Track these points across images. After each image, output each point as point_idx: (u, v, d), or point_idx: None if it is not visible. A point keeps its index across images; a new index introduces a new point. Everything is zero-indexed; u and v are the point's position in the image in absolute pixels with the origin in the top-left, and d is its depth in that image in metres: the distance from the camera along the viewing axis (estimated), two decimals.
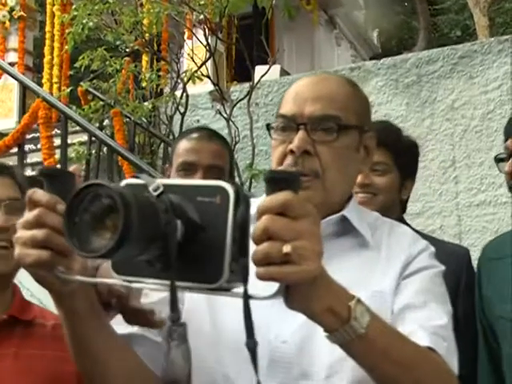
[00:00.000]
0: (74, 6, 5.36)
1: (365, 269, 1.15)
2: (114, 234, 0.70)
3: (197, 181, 0.83)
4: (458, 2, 11.89)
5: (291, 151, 1.15)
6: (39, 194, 0.87)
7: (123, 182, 0.83)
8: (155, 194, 0.77)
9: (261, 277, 0.78)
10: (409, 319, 1.08)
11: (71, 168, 0.94)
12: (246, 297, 0.78)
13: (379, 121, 2.07)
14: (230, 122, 4.94)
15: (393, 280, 1.13)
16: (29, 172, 5.79)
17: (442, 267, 1.20)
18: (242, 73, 5.92)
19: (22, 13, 7.56)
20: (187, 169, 1.93)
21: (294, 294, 0.82)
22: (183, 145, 1.98)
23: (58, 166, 4.65)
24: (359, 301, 0.88)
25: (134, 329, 1.00)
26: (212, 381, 1.06)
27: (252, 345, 0.77)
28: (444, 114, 5.03)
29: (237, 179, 4.72)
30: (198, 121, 5.74)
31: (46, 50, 7.30)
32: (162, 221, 0.75)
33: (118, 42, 5.48)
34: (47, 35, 7.38)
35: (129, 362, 1.01)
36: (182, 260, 0.77)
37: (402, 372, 0.94)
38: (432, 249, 1.22)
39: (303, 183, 1.13)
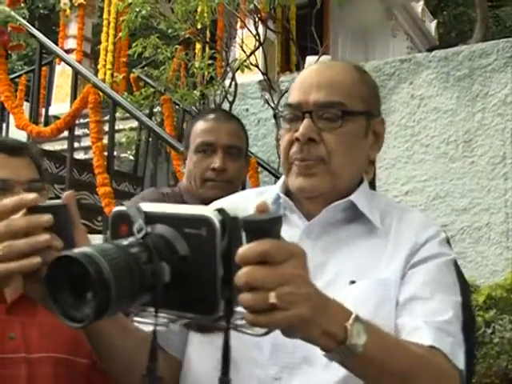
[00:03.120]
0: None
1: (372, 256, 1.14)
2: (96, 304, 0.71)
3: (183, 210, 0.81)
4: None
5: (297, 139, 1.15)
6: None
7: (115, 210, 0.83)
8: (139, 236, 0.77)
9: (250, 324, 0.77)
10: (414, 312, 1.06)
11: (63, 197, 0.93)
12: (227, 333, 0.78)
13: None
14: (278, 111, 4.78)
15: (399, 268, 1.11)
16: (81, 155, 5.96)
17: (453, 255, 1.18)
18: (297, 63, 5.87)
19: (81, 0, 7.69)
20: (206, 149, 1.94)
21: (286, 328, 0.82)
22: (200, 125, 1.97)
23: (105, 152, 4.66)
24: (357, 318, 0.88)
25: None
26: None
27: (225, 381, 0.77)
28: (496, 109, 4.88)
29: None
30: (247, 110, 5.75)
31: (103, 36, 7.44)
32: (145, 273, 0.74)
33: (170, 30, 5.46)
34: (104, 22, 7.52)
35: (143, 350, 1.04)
36: (177, 293, 0.78)
37: (399, 382, 0.95)
38: (443, 235, 1.18)
39: (310, 169, 1.15)
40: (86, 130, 5.89)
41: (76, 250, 0.73)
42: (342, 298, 0.91)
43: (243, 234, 0.77)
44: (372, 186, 2.06)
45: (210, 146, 1.94)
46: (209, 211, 0.77)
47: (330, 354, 0.88)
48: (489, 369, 3.49)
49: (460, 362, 1.04)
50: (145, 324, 0.82)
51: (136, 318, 0.84)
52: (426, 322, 1.04)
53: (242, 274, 0.75)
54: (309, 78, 1.19)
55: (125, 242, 0.76)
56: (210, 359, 1.05)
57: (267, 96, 5.19)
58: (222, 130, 1.96)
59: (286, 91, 5.00)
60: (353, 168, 1.21)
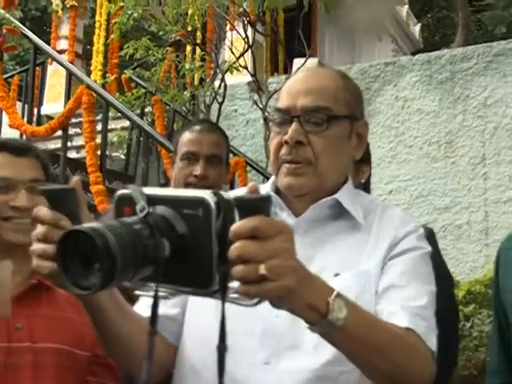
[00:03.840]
0: None
1: (355, 250, 1.20)
2: (102, 274, 0.75)
3: (182, 192, 0.85)
4: None
5: (286, 142, 1.20)
6: (43, 212, 0.91)
7: (119, 192, 0.87)
8: (141, 215, 0.80)
9: (242, 294, 0.81)
10: (391, 298, 1.13)
11: (71, 182, 0.96)
12: (224, 303, 0.81)
13: None
14: (266, 113, 4.95)
15: (379, 261, 1.18)
16: (73, 154, 5.98)
17: (429, 248, 1.24)
18: (284, 65, 5.95)
19: (73, 2, 7.73)
20: (190, 158, 2.08)
21: (274, 299, 0.86)
22: (186, 136, 2.13)
23: (98, 151, 4.72)
24: (338, 295, 0.93)
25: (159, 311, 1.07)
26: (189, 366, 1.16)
27: (222, 349, 0.81)
28: (476, 111, 4.98)
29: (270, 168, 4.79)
30: (236, 110, 5.80)
31: (95, 38, 7.45)
32: (148, 247, 0.78)
33: (161, 32, 5.54)
34: (96, 24, 7.54)
35: (141, 330, 1.05)
36: (176, 268, 0.81)
37: (378, 357, 1.00)
38: (420, 231, 1.25)
39: (298, 170, 1.19)
40: (77, 130, 5.91)
41: (85, 225, 0.77)
42: None
43: (236, 215, 0.81)
44: (367, 185, 2.13)
45: (194, 155, 2.08)
46: (205, 193, 0.81)
47: (313, 327, 0.93)
48: (468, 361, 3.56)
49: (433, 344, 1.10)
50: (147, 296, 0.85)
51: (138, 292, 0.87)
52: (403, 307, 1.10)
53: (235, 248, 0.79)
54: (297, 85, 1.24)
55: (129, 220, 0.80)
56: (205, 340, 1.07)
57: (256, 97, 5.25)
58: (205, 141, 2.10)
59: (274, 92, 5.05)
60: (338, 168, 1.25)
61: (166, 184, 4.87)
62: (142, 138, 5.33)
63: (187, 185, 2.07)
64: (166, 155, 4.84)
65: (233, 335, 0.83)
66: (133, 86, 6.10)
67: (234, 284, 0.82)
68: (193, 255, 0.81)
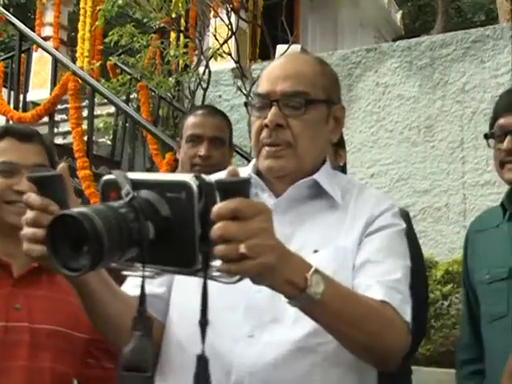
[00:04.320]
0: None
1: (333, 228, 1.22)
2: (91, 256, 0.76)
3: (165, 176, 0.87)
4: None
5: (266, 125, 1.22)
6: (33, 198, 0.93)
7: (104, 178, 0.88)
8: (126, 199, 0.81)
9: (224, 272, 0.84)
10: (368, 273, 1.16)
11: (58, 168, 0.97)
12: (206, 280, 0.83)
13: None
14: (250, 98, 4.94)
15: (356, 237, 1.20)
16: (60, 140, 5.96)
17: (403, 225, 1.27)
18: (267, 51, 5.95)
19: None
20: (194, 140, 2.16)
21: (255, 276, 0.89)
22: (191, 120, 2.21)
23: (85, 137, 4.72)
24: (316, 271, 0.96)
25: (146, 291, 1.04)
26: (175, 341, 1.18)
27: (203, 323, 0.82)
28: (455, 97, 5.03)
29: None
30: (220, 96, 5.80)
31: (80, 25, 7.38)
32: (133, 230, 0.79)
33: (145, 19, 5.50)
34: (81, 11, 7.46)
35: (128, 309, 1.05)
36: (160, 249, 0.83)
37: (355, 329, 1.04)
38: (396, 209, 1.28)
39: (278, 152, 1.22)
40: (64, 116, 5.90)
41: (73, 209, 0.78)
42: None
43: (217, 197, 0.83)
44: (344, 168, 2.16)
45: (198, 137, 2.16)
46: (187, 177, 0.82)
47: (292, 301, 0.96)
48: (446, 338, 3.63)
49: (407, 315, 1.13)
50: (133, 276, 0.87)
51: (126, 272, 0.89)
52: (378, 281, 1.14)
53: (217, 228, 0.81)
54: (276, 70, 1.26)
55: (115, 204, 0.81)
56: (190, 317, 1.11)
57: (239, 83, 5.27)
58: (208, 124, 2.18)
59: (258, 78, 5.10)
60: (316, 150, 1.27)
61: (151, 168, 4.93)
62: (127, 124, 5.35)
63: (193, 165, 2.14)
64: (151, 140, 4.87)
65: (216, 310, 0.85)
66: (118, 73, 6.12)
67: (216, 263, 0.84)
68: (176, 236, 0.82)
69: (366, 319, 1.05)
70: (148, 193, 0.83)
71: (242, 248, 0.82)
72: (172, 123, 5.77)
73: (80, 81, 4.67)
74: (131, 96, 5.89)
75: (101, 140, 6.02)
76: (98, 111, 5.67)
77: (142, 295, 0.83)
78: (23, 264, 1.46)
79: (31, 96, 6.81)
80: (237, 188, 0.83)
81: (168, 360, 1.20)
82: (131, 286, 1.13)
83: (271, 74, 1.26)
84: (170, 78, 5.53)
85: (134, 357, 0.79)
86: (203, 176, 0.83)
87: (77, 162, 4.39)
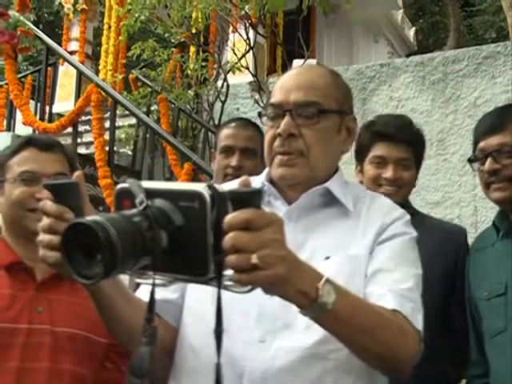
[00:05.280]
0: (128, 0, 5.45)
1: (345, 235, 1.20)
2: (104, 264, 0.76)
3: (178, 185, 0.86)
4: (494, 4, 11.53)
5: (279, 134, 1.21)
6: (48, 205, 0.93)
7: (119, 186, 0.87)
8: (140, 208, 0.81)
9: (236, 282, 0.83)
10: (380, 282, 1.14)
11: (74, 176, 0.97)
12: (220, 289, 0.82)
13: (397, 115, 2.23)
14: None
15: (368, 245, 1.18)
16: (83, 150, 5.99)
17: (415, 234, 1.24)
18: (284, 66, 5.95)
19: (84, 6, 7.78)
20: (227, 151, 2.17)
21: (266, 286, 0.88)
22: (224, 132, 2.24)
23: (107, 147, 4.71)
24: (327, 281, 0.94)
25: (157, 296, 1.03)
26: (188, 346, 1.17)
27: (218, 332, 0.82)
28: (467, 111, 4.97)
29: None
30: (238, 109, 5.78)
31: (104, 39, 7.46)
32: (146, 238, 0.78)
33: (166, 34, 5.52)
34: (105, 26, 7.55)
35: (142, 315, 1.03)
36: (173, 258, 0.82)
37: (366, 338, 1.02)
38: (407, 217, 1.26)
39: (290, 161, 1.21)
40: (87, 127, 5.90)
41: (87, 218, 0.77)
42: None
43: (230, 207, 0.82)
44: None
45: (230, 148, 2.17)
46: (200, 187, 0.81)
47: (304, 311, 0.94)
48: None
49: (419, 324, 1.11)
50: (146, 284, 0.86)
51: (138, 280, 0.88)
52: (390, 290, 1.11)
53: (229, 238, 0.80)
54: (289, 80, 1.25)
55: (129, 213, 0.80)
56: (203, 322, 1.10)
57: (257, 96, 5.26)
58: (240, 135, 2.19)
59: None
60: (328, 159, 1.26)
61: (170, 178, 4.89)
62: (148, 135, 5.29)
63: (225, 176, 2.14)
64: (170, 151, 4.85)
65: (229, 315, 0.83)
66: (139, 85, 6.10)
67: (229, 272, 0.83)
68: (189, 245, 0.81)
69: (377, 328, 1.03)
70: (162, 202, 0.82)
71: (254, 258, 0.81)
72: (191, 134, 5.75)
73: (103, 93, 4.68)
74: (152, 108, 5.88)
75: (122, 150, 6.04)
76: (119, 122, 5.73)
77: (151, 303, 0.82)
78: (46, 269, 1.45)
79: (57, 108, 6.88)
80: (249, 198, 0.82)
81: (181, 363, 1.18)
82: (145, 292, 1.10)
83: (284, 85, 1.25)
84: (190, 91, 5.50)
85: (136, 362, 0.79)
86: (216, 186, 0.82)
87: (98, 171, 4.36)
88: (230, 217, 0.80)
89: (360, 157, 2.00)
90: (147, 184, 0.84)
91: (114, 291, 1.06)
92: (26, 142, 1.54)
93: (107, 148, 4.69)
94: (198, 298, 1.16)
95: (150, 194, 0.82)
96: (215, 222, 0.80)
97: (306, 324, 1.08)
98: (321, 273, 0.95)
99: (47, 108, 5.84)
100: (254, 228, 0.81)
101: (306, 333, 1.10)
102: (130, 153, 5.94)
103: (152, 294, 0.82)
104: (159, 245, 0.79)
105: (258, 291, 0.88)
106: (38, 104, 5.79)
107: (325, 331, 1.02)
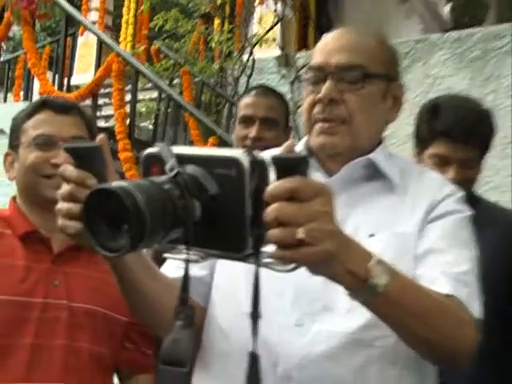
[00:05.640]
0: None
1: (391, 211, 1.16)
2: (131, 236, 0.72)
3: (213, 151, 0.81)
4: None
5: (319, 100, 1.17)
6: (69, 170, 0.89)
7: (147, 151, 0.83)
8: (171, 174, 0.77)
9: (278, 259, 0.79)
10: (431, 263, 1.09)
11: (97, 139, 0.94)
12: (258, 267, 0.78)
13: (460, 106, 1.86)
14: (294, 87, 4.94)
15: (416, 223, 1.14)
16: (102, 123, 5.98)
17: (469, 212, 1.19)
18: (313, 40, 5.86)
19: None
20: (246, 121, 2.11)
21: (312, 265, 0.83)
22: (243, 101, 2.18)
23: (127, 120, 4.69)
24: (379, 260, 0.90)
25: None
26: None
27: (255, 316, 0.78)
28: (507, 91, 4.82)
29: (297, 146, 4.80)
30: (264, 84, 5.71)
31: (125, 10, 7.42)
32: (178, 208, 0.75)
33: (190, 5, 5.51)
34: None
35: (168, 291, 1.05)
36: (206, 231, 0.78)
37: (420, 324, 0.97)
38: (459, 194, 1.20)
39: (332, 129, 1.16)
40: (106, 100, 5.94)
41: (112, 184, 0.73)
42: None
43: (272, 175, 0.78)
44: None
45: (249, 118, 2.10)
46: (238, 152, 0.77)
47: (352, 294, 0.90)
48: None
49: (476, 310, 1.06)
50: (176, 259, 0.82)
51: (168, 255, 0.85)
52: (444, 273, 1.06)
53: (272, 210, 0.76)
54: (331, 41, 1.20)
55: (158, 180, 0.76)
56: (234, 303, 1.09)
57: (284, 71, 5.22)
58: (260, 104, 2.11)
59: (303, 67, 5.00)
60: (372, 128, 1.21)
61: None
62: (170, 109, 5.20)
63: (243, 148, 2.07)
64: (193, 125, 4.83)
65: (264, 296, 0.79)
66: (161, 58, 6.06)
67: (269, 248, 0.79)
68: (225, 217, 0.78)
69: (431, 313, 0.98)
70: (194, 169, 0.79)
71: (300, 233, 0.76)
72: (214, 109, 5.67)
73: (124, 63, 4.64)
74: (174, 82, 5.82)
75: (142, 124, 6.00)
76: (140, 96, 5.64)
77: (185, 281, 0.79)
78: (63, 240, 1.43)
79: (75, 80, 6.83)
80: (294, 166, 0.77)
81: (210, 347, 1.16)
82: (172, 268, 1.10)
83: (325, 46, 1.21)
84: (214, 65, 5.50)
85: (172, 349, 0.76)
86: (255, 152, 0.78)
87: (118, 143, 4.28)
88: (274, 185, 0.76)
89: (418, 144, 1.87)
90: (178, 149, 0.81)
91: (137, 264, 1.02)
92: (41, 104, 1.51)
93: (127, 121, 4.67)
94: (228, 276, 1.14)
95: (182, 159, 0.79)
96: (254, 191, 0.76)
97: (348, 306, 1.04)
98: (371, 252, 0.90)
99: (65, 80, 5.82)
100: (300, 199, 0.77)
101: (348, 316, 1.06)
102: (150, 127, 5.87)
103: (186, 270, 0.79)
104: (192, 215, 0.76)
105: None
106: (56, 76, 5.77)
107: (369, 315, 0.98)
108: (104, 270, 1.39)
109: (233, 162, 0.77)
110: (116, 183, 0.73)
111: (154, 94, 5.65)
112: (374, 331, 1.04)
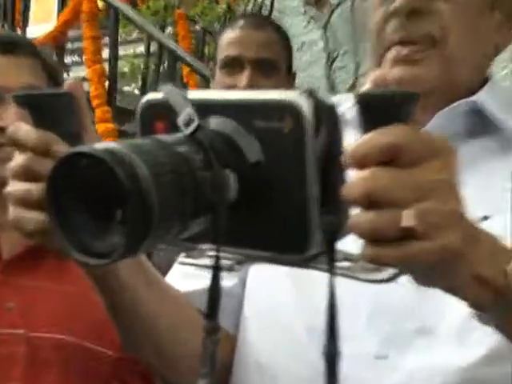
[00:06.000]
0: None
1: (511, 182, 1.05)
2: (129, 229, 0.59)
3: (251, 94, 0.67)
4: None
5: (395, 12, 1.05)
6: (24, 131, 0.78)
7: (145, 98, 0.70)
8: (188, 131, 0.63)
9: (371, 261, 0.65)
10: None
11: (67, 85, 0.81)
12: (332, 276, 0.64)
13: None
14: (328, 33, 4.49)
15: None
16: None
17: None
18: None
19: None
20: (231, 65, 1.93)
21: (424, 270, 0.69)
22: (227, 36, 1.99)
23: (106, 82, 4.42)
24: None
25: (200, 284, 0.93)
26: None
27: (332, 351, 0.63)
28: None
29: None
30: (287, 30, 5.10)
31: None
32: (201, 184, 0.63)
33: None
34: None
35: (181, 315, 0.99)
36: (246, 220, 0.66)
37: None
38: None
39: (415, 54, 1.04)
40: (76, 58, 5.72)
41: (95, 146, 0.59)
42: None
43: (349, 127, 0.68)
44: None
45: (235, 60, 1.92)
46: (292, 95, 0.63)
47: (480, 314, 0.76)
48: None
49: None
50: (196, 265, 0.73)
51: (184, 260, 0.76)
52: None
53: (359, 181, 0.62)
54: None
55: (168, 139, 0.62)
56: (279, 326, 1.01)
57: (313, 12, 4.68)
58: (251, 40, 1.94)
59: (338, 5, 4.53)
60: (476, 54, 1.08)
61: None
62: (163, 65, 4.91)
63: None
64: (193, 85, 4.54)
65: (321, 312, 0.66)
66: None
67: (348, 244, 0.66)
68: (275, 197, 0.65)
69: None
70: (224, 122, 0.65)
71: (408, 217, 0.61)
72: None
73: (98, 1, 4.26)
74: (166, 31, 5.49)
75: (126, 89, 5.69)
76: (121, 51, 5.22)
77: (213, 302, 0.64)
78: (16, 240, 1.35)
79: (32, 32, 6.33)
80: (394, 108, 0.63)
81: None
82: (180, 276, 1.03)
83: None
84: (219, 5, 5.11)
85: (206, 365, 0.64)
86: (319, 94, 0.64)
87: (95, 112, 3.94)
88: (362, 141, 0.62)
89: None
90: (196, 94, 0.66)
91: (135, 275, 0.91)
92: None
93: (106, 83, 4.37)
94: (270, 286, 1.03)
95: (202, 108, 0.64)
96: (322, 155, 0.63)
97: (456, 327, 0.93)
98: (508, 247, 0.76)
99: (19, 32, 5.39)
100: (405, 162, 0.61)
101: (458, 343, 0.93)
102: (136, 92, 5.63)
103: (215, 285, 0.63)
104: (224, 195, 0.62)
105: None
106: (5, 27, 5.33)
107: (494, 341, 0.86)
108: (81, 282, 1.23)
109: (285, 109, 0.63)
110: (100, 145, 0.59)
111: (141, 49, 5.38)
112: (500, 366, 0.91)
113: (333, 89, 4.33)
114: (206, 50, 5.38)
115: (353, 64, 4.52)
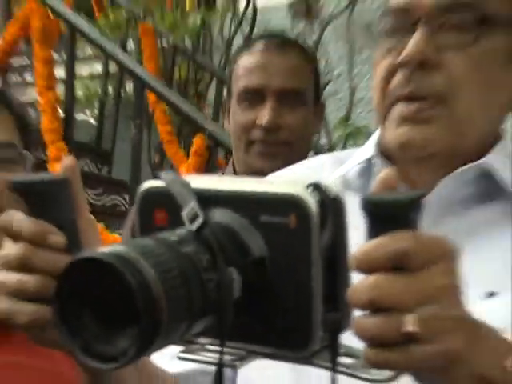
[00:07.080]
0: None
1: None
2: (138, 334, 0.71)
3: (256, 185, 0.81)
4: None
5: (403, 63, 1.16)
6: (18, 220, 0.90)
7: (144, 187, 0.85)
8: (193, 227, 0.78)
9: (372, 364, 0.78)
10: None
11: (63, 167, 0.95)
12: (334, 374, 0.79)
13: None
14: (320, 49, 4.85)
15: None
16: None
17: None
18: None
19: None
20: (250, 98, 2.03)
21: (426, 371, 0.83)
22: (244, 61, 2.08)
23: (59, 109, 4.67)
24: None
25: (191, 365, 1.02)
26: None
27: None
28: None
29: (323, 139, 4.77)
30: None
31: None
32: (207, 285, 0.76)
33: None
34: None
35: None
36: (249, 316, 0.80)
37: None
38: None
39: (422, 112, 1.15)
40: (26, 77, 5.86)
41: (102, 250, 0.72)
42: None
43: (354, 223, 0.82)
44: None
45: (257, 91, 2.03)
46: (297, 188, 0.77)
47: None
48: None
49: None
50: (200, 363, 0.85)
51: (185, 355, 0.87)
52: None
53: (364, 288, 0.75)
54: None
55: (172, 237, 0.76)
56: None
57: (302, 25, 5.19)
58: (275, 67, 2.04)
59: (332, 18, 5.01)
60: (489, 113, 1.21)
61: (161, 163, 5.03)
62: (124, 91, 5.27)
63: (250, 143, 2.06)
64: (161, 117, 4.83)
65: None
66: (106, 6, 6.01)
67: (350, 343, 0.80)
68: (278, 294, 0.79)
69: None
70: (228, 215, 0.80)
71: (411, 323, 0.74)
72: (193, 91, 5.64)
73: (51, 16, 4.53)
74: (128, 47, 5.74)
75: (80, 118, 5.92)
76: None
77: None
78: None
79: None
80: (403, 214, 0.77)
81: None
82: (168, 357, 1.08)
83: None
84: (191, 17, 5.43)
85: None
86: (326, 184, 0.79)
87: (48, 149, 4.16)
88: (369, 246, 0.76)
89: None
90: (197, 181, 0.82)
91: (136, 376, 1.05)
92: None
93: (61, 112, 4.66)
94: (264, 371, 1.11)
95: (205, 199, 0.80)
96: (327, 251, 0.77)
97: None
98: (506, 338, 0.89)
99: None
100: (411, 268, 0.76)
101: None
102: (92, 122, 5.85)
103: (219, 381, 0.80)
104: (229, 294, 0.76)
105: None
106: None
107: None
108: (58, 357, 1.40)
109: (291, 205, 0.77)
110: (108, 249, 0.72)
111: (97, 67, 5.67)
112: None
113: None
114: (176, 73, 5.67)
115: (347, 89, 4.89)
